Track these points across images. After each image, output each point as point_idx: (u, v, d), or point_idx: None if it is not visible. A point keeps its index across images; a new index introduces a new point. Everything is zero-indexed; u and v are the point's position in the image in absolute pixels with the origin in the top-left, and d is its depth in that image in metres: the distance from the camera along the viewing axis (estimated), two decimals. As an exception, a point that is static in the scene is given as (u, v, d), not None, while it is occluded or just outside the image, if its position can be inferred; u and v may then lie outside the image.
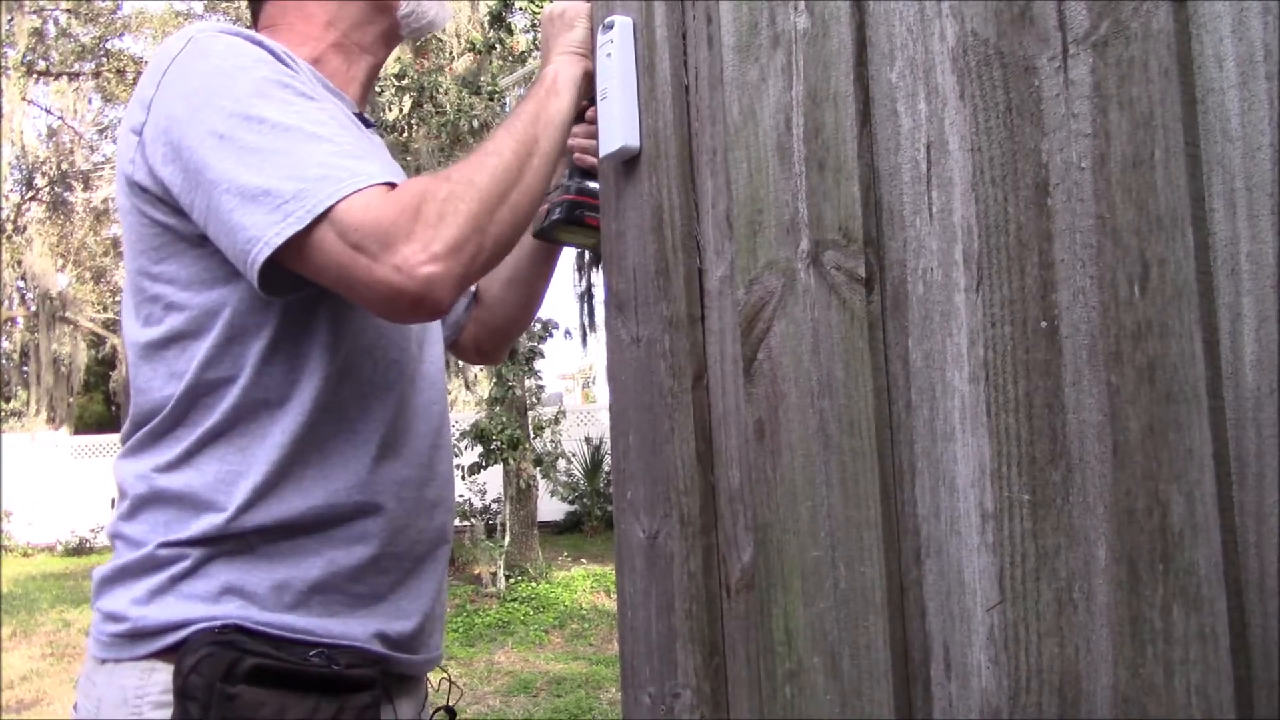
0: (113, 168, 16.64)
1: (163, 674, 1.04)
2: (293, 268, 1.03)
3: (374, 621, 1.14)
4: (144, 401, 1.14)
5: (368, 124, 1.30)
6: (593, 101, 1.32)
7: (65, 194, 17.56)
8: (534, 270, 1.52)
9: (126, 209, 1.14)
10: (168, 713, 1.03)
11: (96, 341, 18.47)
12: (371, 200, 1.00)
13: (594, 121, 1.33)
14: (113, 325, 17.54)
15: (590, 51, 1.21)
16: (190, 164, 1.05)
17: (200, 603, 1.06)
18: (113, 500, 1.19)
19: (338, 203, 0.99)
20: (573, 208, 1.32)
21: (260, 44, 1.13)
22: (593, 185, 1.31)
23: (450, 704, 1.31)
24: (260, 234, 1.00)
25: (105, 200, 17.54)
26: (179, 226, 1.10)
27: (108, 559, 1.16)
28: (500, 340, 1.58)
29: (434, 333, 1.33)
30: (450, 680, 1.34)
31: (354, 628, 1.12)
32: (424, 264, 0.98)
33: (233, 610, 1.06)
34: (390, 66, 9.94)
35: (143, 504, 1.12)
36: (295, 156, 1.02)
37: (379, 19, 1.29)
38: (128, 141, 1.13)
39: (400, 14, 1.30)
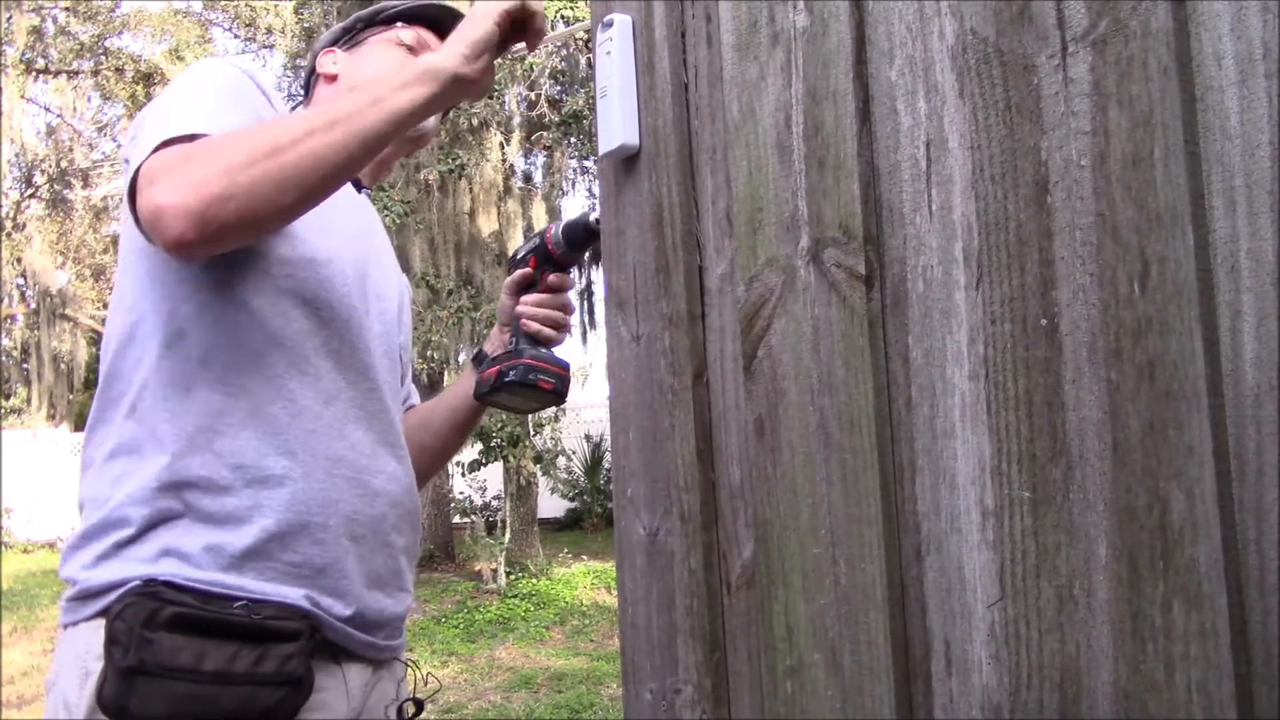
0: (112, 165, 16.67)
1: (104, 630, 1.11)
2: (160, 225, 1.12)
3: (306, 590, 1.18)
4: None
5: (357, 187, 1.44)
6: (547, 267, 1.39)
7: (64, 191, 17.55)
8: (450, 432, 1.57)
9: (124, 232, 1.25)
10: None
11: (97, 339, 18.45)
12: (171, 147, 1.09)
13: (548, 290, 1.40)
14: (112, 323, 17.44)
15: (478, 55, 1.17)
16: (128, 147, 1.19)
17: (139, 563, 1.12)
18: None
19: (156, 149, 1.09)
20: (528, 371, 1.35)
21: (244, 72, 1.26)
22: (545, 352, 1.39)
23: (419, 696, 1.35)
24: (125, 186, 1.12)
25: (105, 198, 17.52)
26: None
27: None
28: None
29: (394, 360, 1.38)
30: (415, 667, 1.37)
31: (285, 590, 1.16)
32: (163, 194, 1.05)
33: (168, 568, 1.12)
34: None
35: (95, 464, 1.20)
36: (169, 126, 1.13)
37: None
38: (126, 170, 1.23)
39: None
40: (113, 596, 1.11)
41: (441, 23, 1.49)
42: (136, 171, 1.10)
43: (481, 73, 1.17)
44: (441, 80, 1.14)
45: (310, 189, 1.09)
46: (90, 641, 1.11)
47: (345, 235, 1.31)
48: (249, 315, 1.18)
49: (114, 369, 1.20)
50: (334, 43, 1.51)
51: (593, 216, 1.32)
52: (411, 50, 1.45)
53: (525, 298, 1.40)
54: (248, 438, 1.16)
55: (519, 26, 1.21)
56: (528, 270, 1.42)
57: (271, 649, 1.11)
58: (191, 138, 1.11)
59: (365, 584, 1.24)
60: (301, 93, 1.56)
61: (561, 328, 1.40)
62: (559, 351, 1.42)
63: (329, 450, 1.21)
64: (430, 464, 1.55)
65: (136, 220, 1.11)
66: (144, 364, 1.18)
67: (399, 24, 1.48)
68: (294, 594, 1.16)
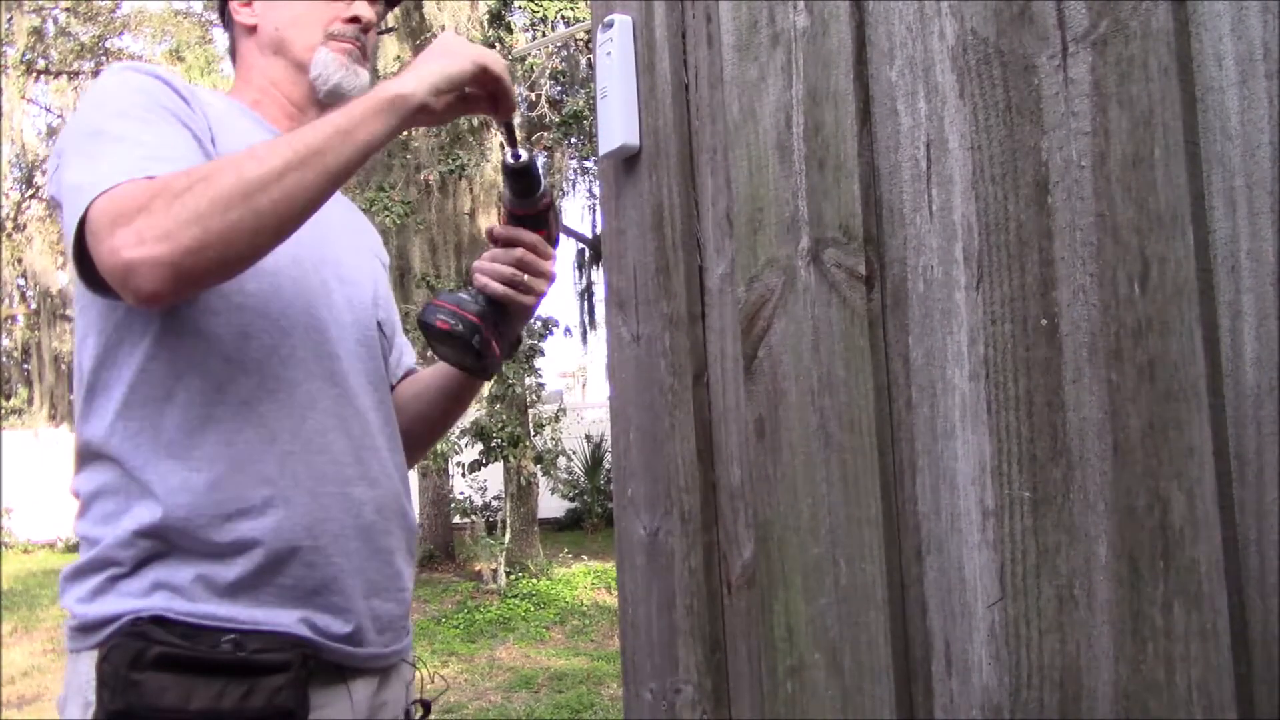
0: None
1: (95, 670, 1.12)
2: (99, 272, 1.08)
3: (301, 612, 1.17)
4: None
5: None
6: (516, 220, 1.28)
7: (65, 192, 17.51)
8: (444, 400, 1.50)
9: None
10: None
11: (97, 339, 18.41)
12: (121, 190, 1.05)
13: (495, 242, 1.28)
14: (113, 323, 17.45)
15: (449, 91, 1.13)
16: (53, 176, 1.16)
17: (132, 598, 1.12)
18: None
19: (104, 192, 1.05)
20: (426, 310, 1.26)
21: (156, 76, 1.21)
22: (464, 296, 1.27)
23: (427, 698, 1.35)
24: (68, 228, 1.08)
25: (105, 198, 17.48)
26: None
27: None
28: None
29: (372, 345, 1.34)
30: (422, 666, 1.37)
31: (279, 615, 1.15)
32: (131, 247, 1.01)
33: (159, 602, 1.12)
34: (390, 65, 9.93)
35: (87, 501, 1.19)
36: (103, 158, 1.09)
37: (301, 78, 1.35)
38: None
39: (310, 76, 1.34)
40: (106, 632, 1.12)
41: None
42: (82, 220, 1.05)
43: (446, 108, 1.14)
44: (408, 111, 1.11)
45: (285, 228, 1.08)
46: (89, 671, 1.12)
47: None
48: (206, 343, 1.16)
49: (85, 409, 1.19)
50: None
51: (508, 154, 1.24)
52: None
53: (488, 253, 1.30)
54: (224, 470, 1.14)
55: (490, 90, 1.16)
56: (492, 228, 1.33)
57: (260, 682, 1.10)
58: (150, 178, 1.06)
59: (364, 594, 1.23)
60: (222, 26, 1.46)
61: (515, 285, 1.27)
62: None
63: (310, 469, 1.19)
64: (429, 432, 1.52)
65: (85, 270, 1.07)
66: (111, 407, 1.16)
67: None
68: (288, 619, 1.15)
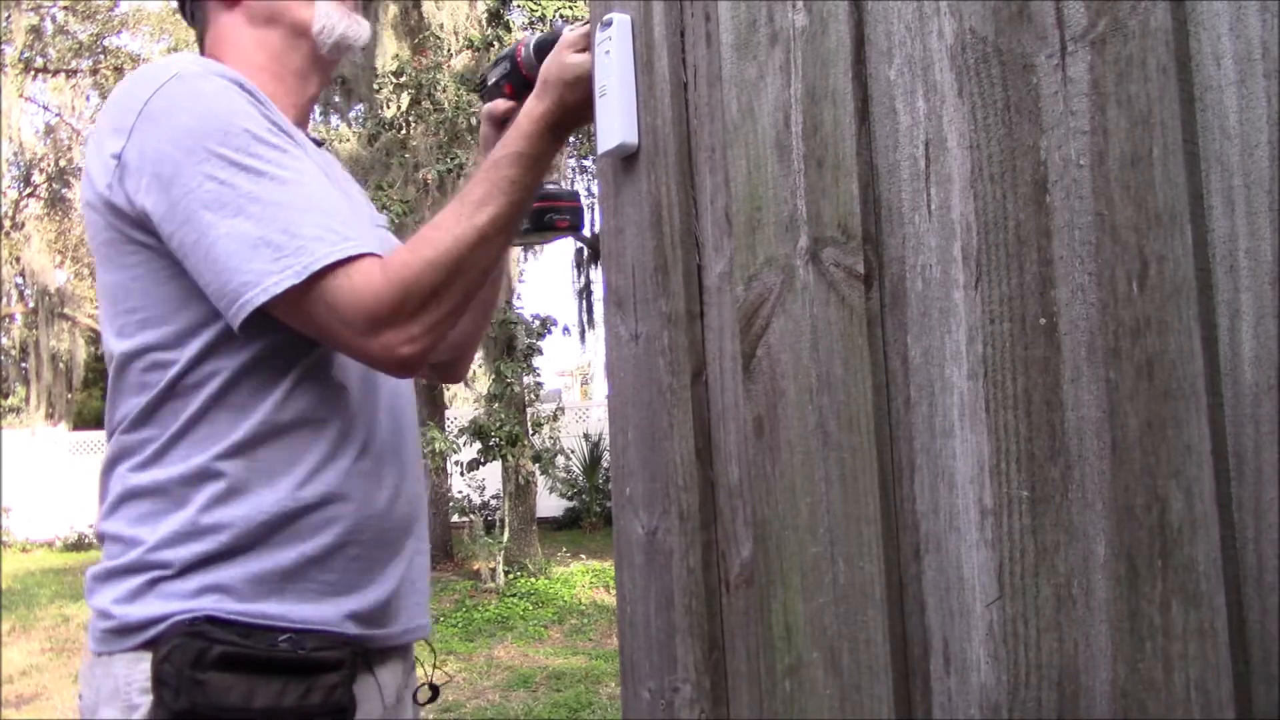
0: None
1: (147, 664, 1.11)
2: (277, 315, 1.12)
3: (347, 604, 1.19)
4: (118, 407, 1.21)
5: (318, 144, 1.37)
6: (526, 93, 1.27)
7: (63, 190, 17.54)
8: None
9: (100, 225, 1.20)
10: (151, 698, 1.10)
11: (95, 338, 18.43)
12: (358, 281, 1.10)
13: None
14: (111, 322, 17.44)
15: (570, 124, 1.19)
16: (182, 202, 1.11)
17: (179, 600, 1.12)
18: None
19: (331, 266, 1.09)
20: (540, 215, 1.32)
21: (241, 86, 1.19)
22: (550, 187, 1.34)
23: (435, 682, 1.37)
24: (257, 280, 1.09)
25: (103, 197, 17.48)
26: (158, 248, 1.16)
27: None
28: (458, 355, 1.59)
29: None
30: (431, 651, 1.39)
31: (326, 611, 1.17)
32: (403, 345, 1.12)
33: (209, 603, 1.12)
34: (388, 64, 9.93)
35: (120, 501, 1.19)
36: (292, 212, 1.11)
37: (300, 43, 1.32)
38: (104, 164, 1.17)
39: (314, 34, 1.31)
40: (154, 632, 1.11)
41: None
42: (307, 289, 1.09)
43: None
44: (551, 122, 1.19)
45: (479, 290, 1.20)
46: (131, 674, 1.12)
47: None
48: (287, 365, 1.19)
49: (156, 408, 1.18)
50: None
51: (564, 27, 1.23)
52: None
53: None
54: (278, 471, 1.16)
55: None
56: (508, 101, 1.33)
57: (318, 680, 1.12)
58: (377, 258, 1.13)
59: (397, 579, 1.26)
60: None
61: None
62: None
63: (359, 468, 1.22)
64: (463, 326, 1.49)
65: (339, 340, 1.13)
66: (188, 412, 1.16)
67: None
68: (334, 615, 1.17)
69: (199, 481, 1.15)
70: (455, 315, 1.16)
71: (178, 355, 1.16)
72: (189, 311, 1.16)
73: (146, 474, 1.17)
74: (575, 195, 1.37)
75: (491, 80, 1.35)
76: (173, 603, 1.12)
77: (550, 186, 1.33)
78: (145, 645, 1.12)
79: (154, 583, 1.13)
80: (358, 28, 1.34)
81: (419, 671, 1.39)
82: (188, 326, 1.16)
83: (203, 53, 1.33)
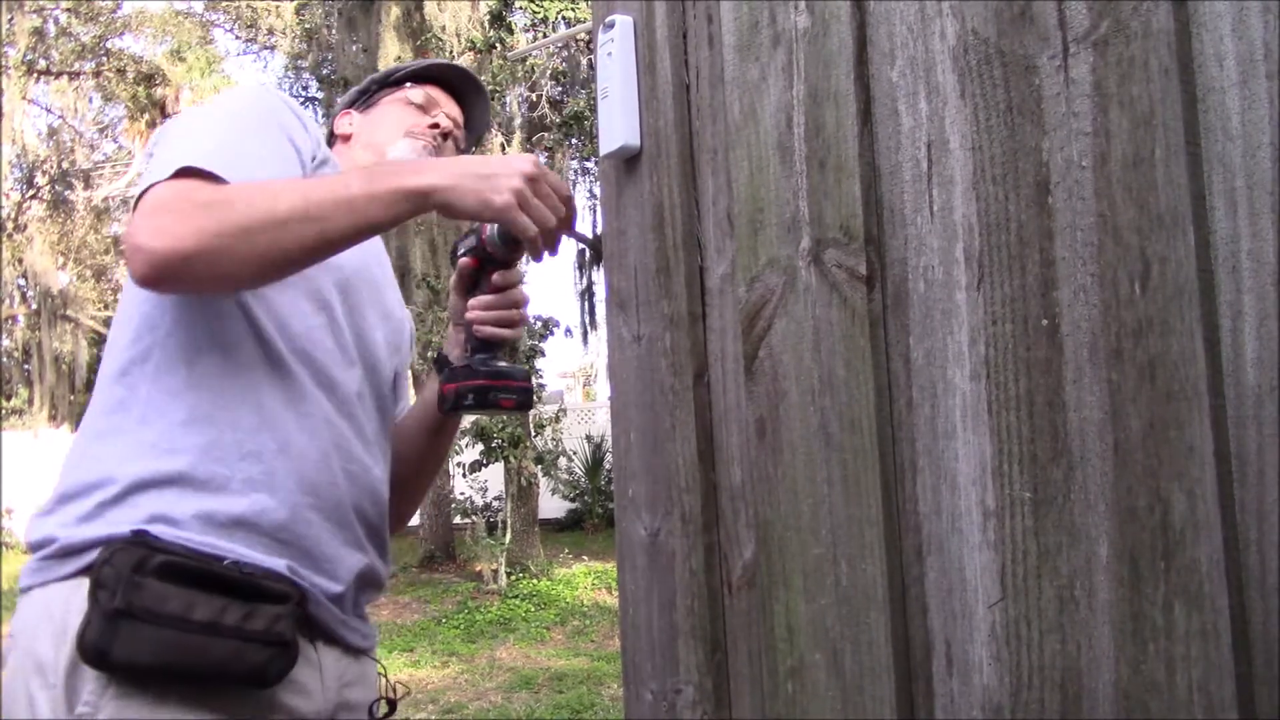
0: (113, 166, 16.69)
1: (86, 589, 1.08)
2: None
3: (291, 562, 1.18)
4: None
5: None
6: (490, 266, 1.34)
7: (66, 192, 17.56)
8: (424, 435, 1.54)
9: None
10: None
11: (98, 339, 18.46)
12: (178, 182, 1.12)
13: (498, 290, 1.35)
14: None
15: (467, 213, 1.15)
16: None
17: (126, 525, 1.11)
18: None
19: (168, 178, 1.12)
20: (487, 392, 1.33)
21: (284, 102, 1.33)
22: (501, 365, 1.35)
23: (391, 697, 1.34)
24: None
25: (106, 199, 17.55)
26: None
27: None
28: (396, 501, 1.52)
29: (381, 368, 1.41)
30: (385, 677, 1.37)
31: (273, 560, 1.16)
32: (143, 234, 1.09)
33: (158, 529, 1.11)
34: (390, 65, 9.93)
35: (84, 444, 1.21)
36: (191, 142, 1.18)
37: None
38: None
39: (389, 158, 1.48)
40: (97, 552, 1.09)
41: (451, 82, 1.59)
42: (144, 191, 1.13)
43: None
44: (424, 209, 1.14)
45: (266, 273, 1.15)
46: (71, 599, 1.09)
47: None
48: (242, 324, 1.22)
49: (110, 369, 1.23)
50: (350, 105, 1.59)
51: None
52: (421, 109, 1.53)
53: (474, 300, 1.37)
54: (245, 414, 1.18)
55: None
56: (471, 269, 1.38)
57: (261, 608, 1.10)
58: (209, 176, 1.14)
59: (347, 570, 1.26)
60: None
61: (515, 325, 1.37)
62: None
63: (319, 438, 1.23)
64: (409, 473, 1.52)
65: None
66: (148, 363, 1.20)
67: (408, 84, 1.56)
68: (279, 564, 1.17)
69: (153, 410, 1.17)
70: (203, 255, 1.09)
71: (140, 316, 1.23)
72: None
73: (110, 419, 1.20)
74: (526, 375, 1.38)
75: (461, 250, 1.41)
76: (120, 527, 1.11)
77: (502, 364, 1.35)
78: (86, 570, 1.09)
79: (101, 507, 1.13)
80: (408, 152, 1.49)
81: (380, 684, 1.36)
82: (137, 296, 1.23)
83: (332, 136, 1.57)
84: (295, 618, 1.14)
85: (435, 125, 1.51)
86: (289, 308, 1.25)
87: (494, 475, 10.74)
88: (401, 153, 1.48)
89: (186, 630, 1.06)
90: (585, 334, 14.31)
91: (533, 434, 10.67)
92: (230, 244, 1.09)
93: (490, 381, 1.33)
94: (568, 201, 1.18)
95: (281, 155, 1.26)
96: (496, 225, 1.28)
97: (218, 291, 1.18)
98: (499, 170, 1.14)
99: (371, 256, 1.42)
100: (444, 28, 10.26)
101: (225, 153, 1.18)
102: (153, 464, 1.15)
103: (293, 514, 1.19)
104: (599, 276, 13.38)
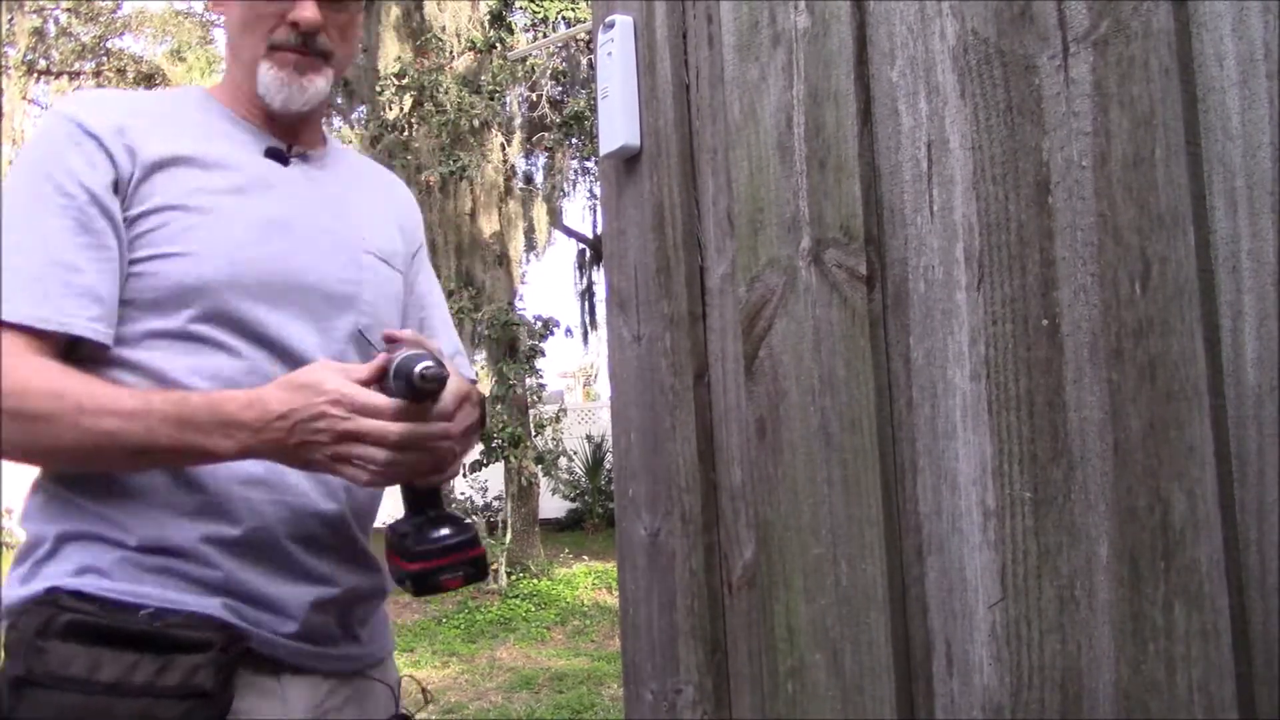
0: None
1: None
2: None
3: (227, 600, 1.12)
4: None
5: (280, 158, 1.29)
6: (418, 392, 1.07)
7: (66, 192, 17.51)
8: None
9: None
10: None
11: (98, 340, 18.43)
12: (9, 348, 1.08)
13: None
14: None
15: (294, 447, 1.07)
16: None
17: (57, 579, 1.10)
18: None
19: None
20: (424, 579, 1.15)
21: (86, 134, 1.16)
22: (445, 532, 1.15)
23: (406, 712, 1.28)
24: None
25: (106, 199, 17.47)
26: None
27: None
28: None
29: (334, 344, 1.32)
30: (422, 688, 1.31)
31: (206, 600, 1.11)
32: None
33: (86, 582, 1.09)
34: (390, 65, 9.93)
35: (26, 505, 1.20)
36: (11, 275, 1.11)
37: (255, 83, 1.28)
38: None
39: (258, 93, 1.29)
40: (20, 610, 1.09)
41: None
42: None
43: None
44: (241, 455, 1.09)
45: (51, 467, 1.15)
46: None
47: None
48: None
49: None
50: None
51: (419, 367, 1.04)
52: None
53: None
54: (161, 481, 1.13)
55: None
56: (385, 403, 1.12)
57: (176, 659, 1.05)
58: (37, 334, 1.09)
59: (309, 598, 1.17)
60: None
61: (442, 467, 1.14)
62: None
63: (237, 474, 1.14)
64: None
65: None
66: None
67: None
68: (211, 604, 1.10)
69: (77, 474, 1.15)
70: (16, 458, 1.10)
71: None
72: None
73: (42, 477, 1.19)
74: (475, 538, 1.17)
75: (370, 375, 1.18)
76: (49, 582, 1.09)
77: (445, 531, 1.15)
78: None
79: (37, 564, 1.12)
80: (299, 95, 1.27)
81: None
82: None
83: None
84: (221, 664, 1.07)
85: (294, 24, 1.23)
86: (161, 362, 1.15)
87: (494, 475, 10.74)
88: (266, 91, 1.25)
89: (90, 692, 1.02)
90: (585, 334, 14.31)
91: (533, 434, 10.67)
92: (40, 461, 1.13)
93: (433, 563, 1.15)
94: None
95: (96, 244, 1.14)
96: (397, 360, 1.08)
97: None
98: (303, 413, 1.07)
99: (280, 242, 1.22)
100: (444, 28, 10.25)
101: (48, 283, 1.11)
102: (77, 515, 1.12)
103: (226, 551, 1.13)
104: (599, 276, 13.39)
